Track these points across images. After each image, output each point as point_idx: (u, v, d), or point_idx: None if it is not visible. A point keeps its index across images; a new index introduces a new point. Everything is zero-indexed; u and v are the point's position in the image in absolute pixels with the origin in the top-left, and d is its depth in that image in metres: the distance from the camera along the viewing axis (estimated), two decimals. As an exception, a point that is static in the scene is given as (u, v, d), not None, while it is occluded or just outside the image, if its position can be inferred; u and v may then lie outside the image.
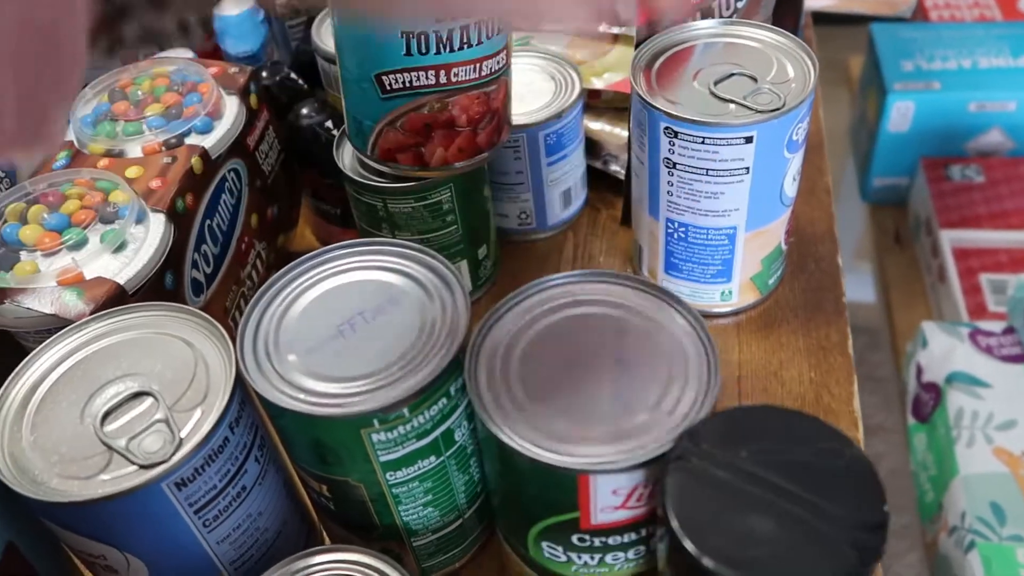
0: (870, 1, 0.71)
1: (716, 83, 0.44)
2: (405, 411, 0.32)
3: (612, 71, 0.57)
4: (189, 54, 0.56)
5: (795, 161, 0.45)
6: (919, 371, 0.83)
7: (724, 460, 0.28)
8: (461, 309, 0.35)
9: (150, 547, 0.33)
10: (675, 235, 0.48)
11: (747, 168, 0.43)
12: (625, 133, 0.58)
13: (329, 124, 0.53)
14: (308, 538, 0.41)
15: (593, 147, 0.58)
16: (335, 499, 0.37)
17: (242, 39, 0.59)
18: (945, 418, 0.76)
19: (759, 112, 0.42)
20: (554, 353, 0.33)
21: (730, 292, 0.50)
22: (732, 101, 0.43)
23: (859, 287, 1.39)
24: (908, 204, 1.07)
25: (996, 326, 0.80)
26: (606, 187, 0.60)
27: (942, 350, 0.80)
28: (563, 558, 0.34)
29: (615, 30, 0.58)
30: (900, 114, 1.01)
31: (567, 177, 0.55)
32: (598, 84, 0.57)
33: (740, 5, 0.52)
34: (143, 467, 0.31)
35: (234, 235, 0.48)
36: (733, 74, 0.45)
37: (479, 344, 0.34)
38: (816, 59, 0.44)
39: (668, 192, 0.46)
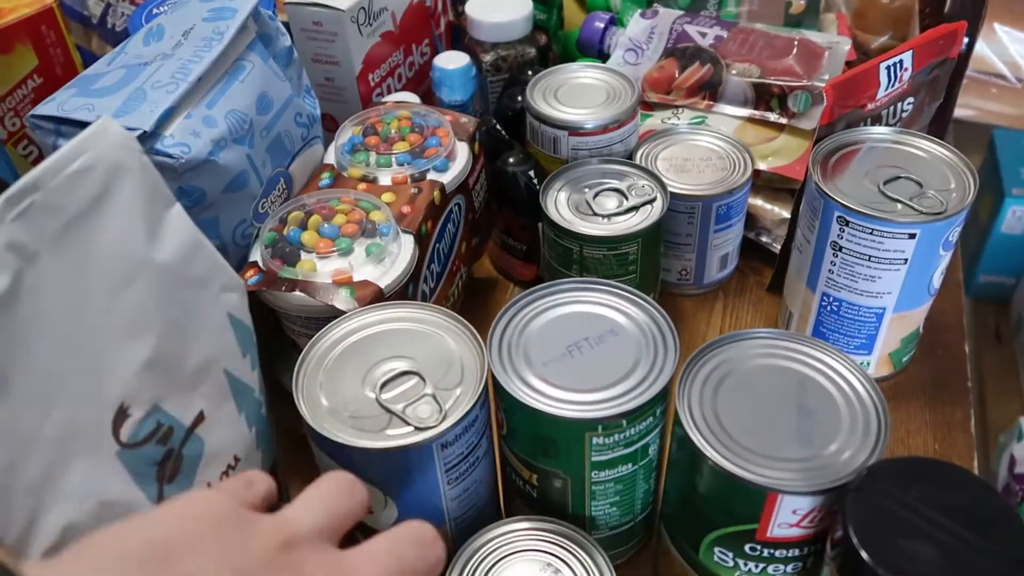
0: (1009, 116, 0.78)
1: (885, 183, 0.52)
2: (624, 422, 0.40)
3: (776, 155, 0.65)
4: (416, 99, 0.65)
5: (946, 258, 0.52)
6: (1012, 463, 0.87)
7: (896, 496, 0.35)
8: (671, 347, 0.42)
9: (408, 494, 0.41)
10: (828, 308, 0.55)
11: (905, 260, 0.50)
12: (779, 210, 0.65)
13: (531, 173, 0.62)
14: (499, 511, 0.49)
15: (749, 220, 0.66)
16: (540, 487, 0.45)
17: (455, 90, 0.68)
18: (1035, 510, 0.81)
19: (924, 213, 0.49)
20: (749, 392, 0.41)
21: (868, 363, 0.57)
22: (899, 201, 0.50)
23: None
24: (1012, 303, 1.12)
25: (1092, 430, 0.84)
26: (755, 256, 0.67)
27: (1037, 446, 0.85)
28: (731, 563, 0.41)
29: (783, 121, 0.66)
30: (1015, 218, 1.06)
31: (727, 244, 0.63)
32: (762, 166, 0.65)
33: (904, 115, 0.59)
34: (418, 429, 0.39)
35: (451, 258, 0.57)
36: (900, 177, 0.52)
37: (689, 377, 0.42)
38: (976, 173, 0.51)
39: (830, 271, 0.53)
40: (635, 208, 0.56)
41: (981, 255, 1.12)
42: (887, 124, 0.58)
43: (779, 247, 0.65)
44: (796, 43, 0.68)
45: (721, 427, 0.40)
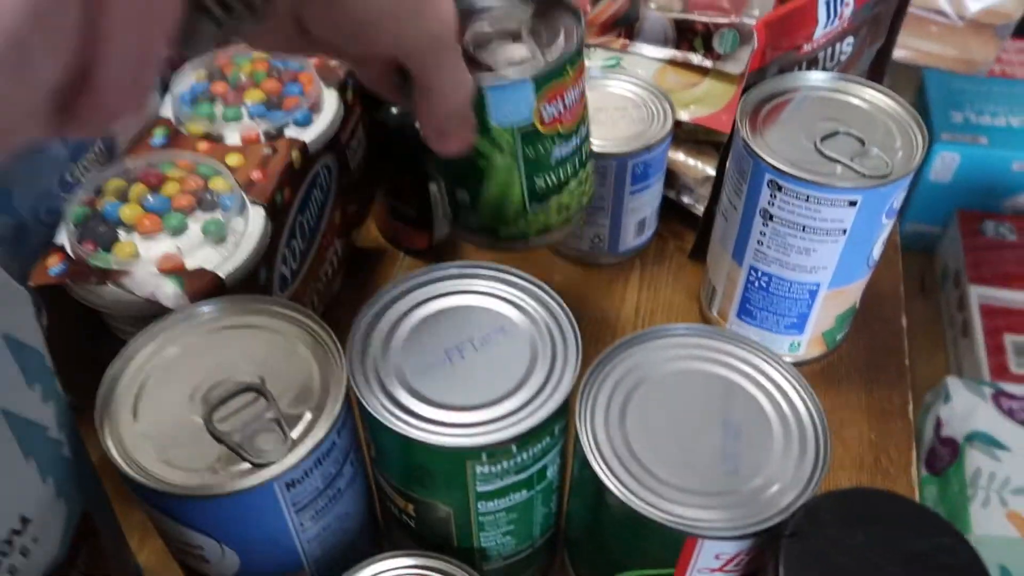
0: (949, 58, 0.72)
1: (822, 139, 0.44)
2: (513, 447, 0.33)
3: (699, 104, 0.57)
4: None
5: (888, 227, 0.46)
6: (938, 424, 0.84)
7: (841, 541, 0.29)
8: (572, 350, 0.35)
9: (248, 541, 0.33)
10: (756, 283, 0.48)
11: (844, 230, 0.44)
12: (702, 167, 0.58)
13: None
14: (377, 542, 0.41)
15: (669, 177, 0.58)
16: (418, 518, 0.37)
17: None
18: (961, 475, 0.78)
19: (867, 177, 0.42)
20: (664, 405, 0.34)
21: (798, 344, 0.50)
22: (839, 162, 0.43)
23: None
24: (937, 253, 1.08)
25: (1019, 389, 0.81)
26: (676, 218, 0.60)
27: (964, 407, 0.81)
28: (644, 606, 0.35)
29: (708, 63, 0.58)
30: (943, 164, 1.02)
31: (645, 207, 0.55)
32: (684, 116, 0.57)
33: (843, 57, 0.52)
34: (257, 465, 0.31)
35: (319, 231, 0.48)
36: (839, 132, 0.45)
37: (593, 388, 0.34)
38: (926, 129, 0.45)
39: (759, 241, 0.46)
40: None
41: (908, 203, 1.08)
42: (823, 68, 0.51)
43: (702, 209, 0.57)
44: (722, -26, 0.59)
45: (630, 453, 0.32)
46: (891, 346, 0.53)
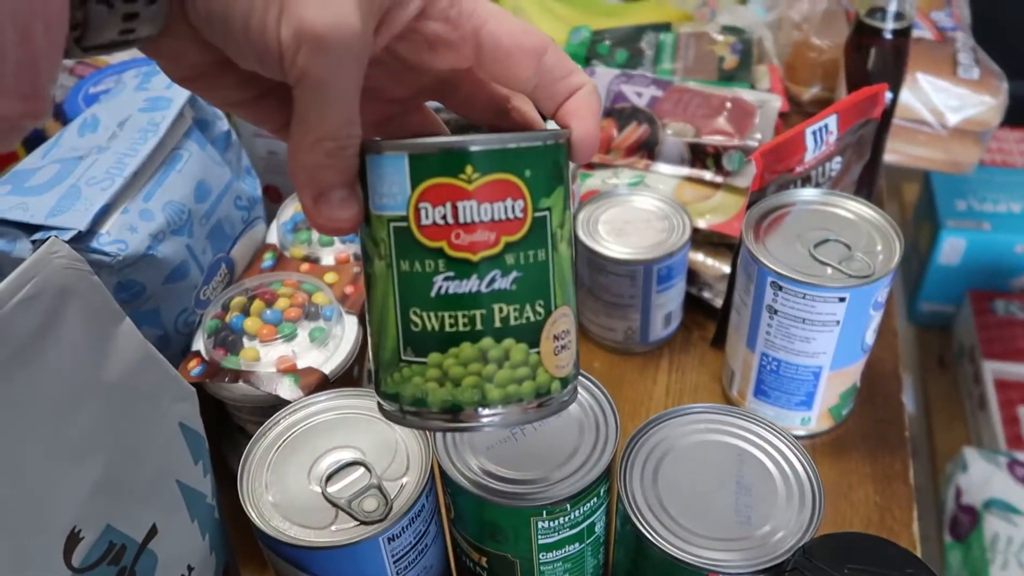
0: (937, 160, 0.80)
1: (815, 246, 0.53)
2: (568, 506, 0.41)
3: (714, 213, 0.67)
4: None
5: (877, 317, 0.54)
6: (958, 493, 0.89)
7: (830, 575, 0.36)
8: (612, 427, 0.43)
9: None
10: (768, 367, 0.56)
11: (838, 321, 0.52)
12: (719, 265, 0.67)
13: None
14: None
15: (690, 275, 0.67)
16: (490, 570, 0.45)
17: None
18: (981, 540, 0.83)
19: (853, 277, 0.51)
20: (688, 470, 0.42)
21: (809, 419, 0.58)
22: (829, 265, 0.52)
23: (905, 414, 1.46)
24: (953, 331, 1.15)
25: (1032, 458, 0.87)
26: (698, 311, 0.69)
27: (981, 476, 0.87)
28: (678, 638, 0.42)
29: (719, 179, 0.68)
30: (951, 248, 1.10)
31: (670, 302, 0.64)
32: (701, 224, 0.66)
33: (833, 174, 0.61)
34: (364, 523, 0.39)
35: (397, 332, 0.57)
36: (829, 240, 0.54)
37: (630, 457, 0.42)
38: (902, 235, 0.53)
39: (767, 332, 0.54)
40: None
41: (922, 285, 1.15)
42: (816, 184, 0.60)
43: (720, 302, 0.66)
44: (728, 103, 0.70)
45: (662, 506, 0.40)
46: (892, 419, 0.61)
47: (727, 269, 0.66)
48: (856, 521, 0.54)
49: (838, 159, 0.61)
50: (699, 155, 0.68)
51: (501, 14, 0.30)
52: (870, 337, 0.55)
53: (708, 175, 0.67)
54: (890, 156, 0.81)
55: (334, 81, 0.27)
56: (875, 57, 0.67)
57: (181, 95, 0.51)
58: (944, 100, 0.76)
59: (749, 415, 0.44)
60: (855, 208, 0.56)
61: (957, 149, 0.79)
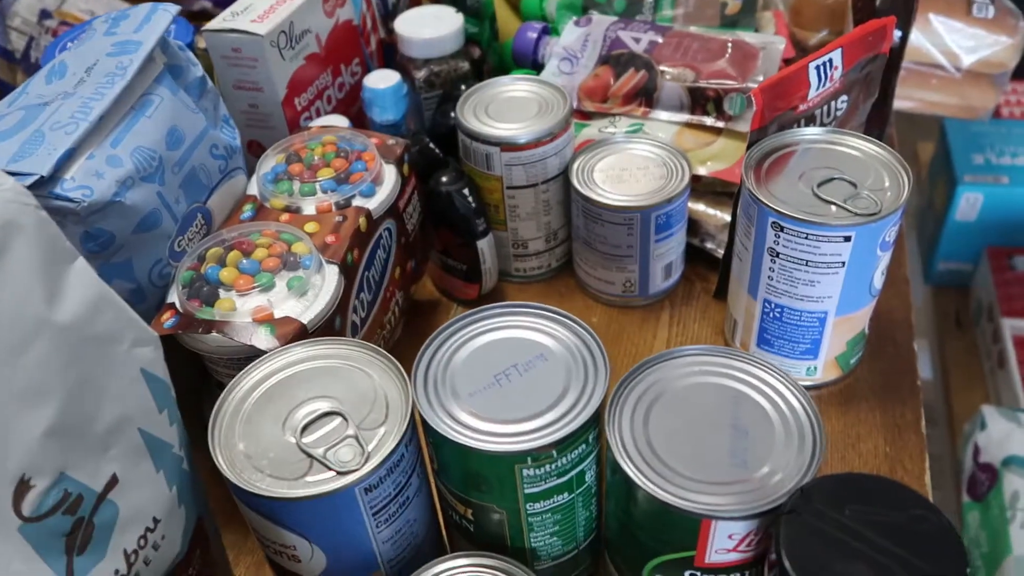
0: (951, 106, 0.77)
1: (819, 185, 0.50)
2: (554, 452, 0.39)
3: (715, 160, 0.64)
4: (345, 122, 0.63)
5: (885, 258, 0.51)
6: (976, 452, 0.87)
7: (830, 517, 0.34)
8: (601, 371, 0.41)
9: (334, 541, 0.39)
10: (771, 314, 0.54)
11: (843, 263, 0.49)
12: (721, 215, 0.64)
13: (466, 191, 0.60)
14: (441, 546, 0.47)
15: (692, 226, 0.65)
16: (476, 522, 0.43)
17: (387, 110, 0.67)
18: (1000, 499, 0.80)
19: (858, 215, 0.48)
20: (681, 413, 0.40)
21: (815, 368, 0.56)
22: (833, 203, 0.49)
23: (919, 363, 1.42)
24: (971, 289, 1.12)
25: (1054, 415, 0.84)
26: (701, 262, 0.66)
27: (1000, 433, 0.84)
28: (673, 590, 0.40)
29: (720, 124, 0.65)
30: (968, 204, 1.06)
31: (670, 252, 0.62)
32: (702, 171, 0.64)
33: (839, 113, 0.59)
34: (340, 473, 0.37)
35: (383, 285, 0.55)
36: (834, 178, 0.51)
37: (620, 401, 0.40)
38: (910, 171, 0.51)
39: (769, 277, 0.52)
40: None
41: (938, 243, 1.12)
42: (821, 124, 0.57)
43: (723, 252, 0.63)
44: (730, 45, 0.67)
45: (653, 452, 0.38)
46: (903, 368, 0.58)
47: (729, 218, 0.63)
48: (865, 472, 0.52)
49: (844, 97, 0.58)
50: (699, 100, 0.65)
51: None
52: (878, 280, 0.52)
53: (709, 120, 0.65)
54: (902, 103, 0.78)
55: None
56: (883, -7, 0.63)
57: (151, 38, 0.49)
58: (958, 41, 0.73)
59: (745, 356, 0.41)
60: (861, 146, 0.53)
61: (972, 93, 0.75)
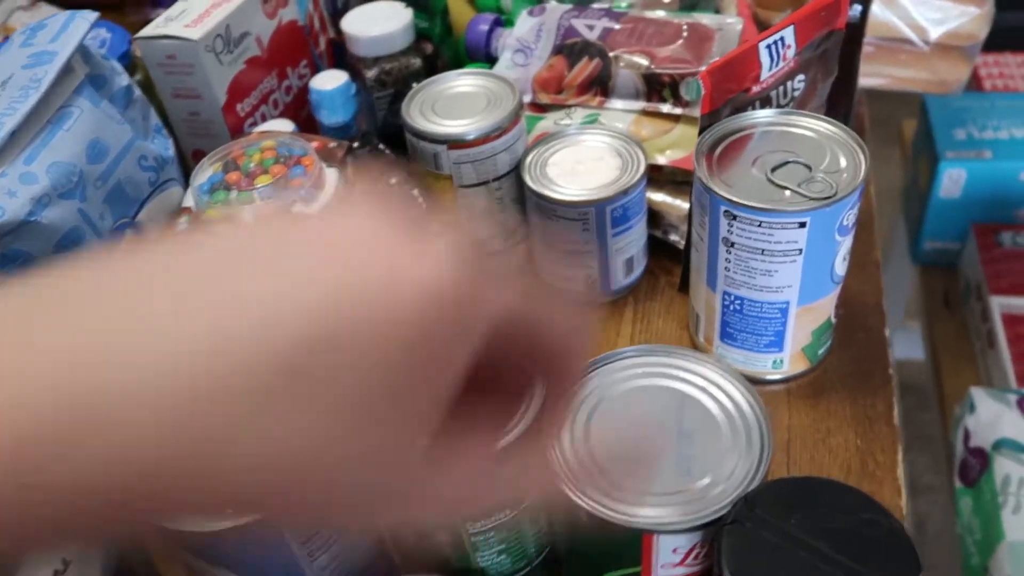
0: (922, 81, 0.75)
1: (773, 170, 0.48)
2: (489, 467, 0.37)
3: (674, 148, 0.62)
4: (290, 126, 0.61)
5: (845, 243, 0.49)
6: (967, 436, 0.84)
7: (775, 525, 0.32)
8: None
9: (265, 573, 0.37)
10: (731, 307, 0.51)
11: (800, 250, 0.47)
12: (684, 205, 0.62)
13: (416, 192, 0.58)
14: (388, 569, 0.45)
15: (654, 217, 0.63)
16: (421, 544, 0.41)
17: (336, 111, 0.65)
18: (992, 484, 0.78)
19: (812, 200, 0.46)
20: (622, 421, 0.38)
21: (781, 361, 0.53)
22: (787, 188, 0.47)
23: (909, 346, 1.40)
24: (959, 268, 1.09)
25: (1044, 394, 0.81)
26: (665, 254, 0.64)
27: (990, 416, 0.82)
28: (625, 606, 0.38)
29: (678, 111, 0.63)
30: (952, 181, 1.04)
31: (630, 246, 0.60)
32: (661, 160, 0.61)
33: (796, 94, 0.56)
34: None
35: (328, 294, 0.53)
36: (789, 162, 0.49)
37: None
38: (867, 150, 0.48)
39: (726, 268, 0.50)
40: None
41: (924, 222, 1.10)
42: (779, 106, 0.55)
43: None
44: (685, 27, 0.64)
45: (594, 462, 0.36)
46: (874, 356, 0.56)
47: (692, 208, 0.61)
48: (835, 468, 0.50)
49: (801, 77, 0.55)
50: (655, 87, 0.63)
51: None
52: (840, 266, 0.50)
53: (665, 108, 0.62)
54: (872, 80, 0.76)
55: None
56: (841, -33, 0.61)
57: (67, 47, 0.47)
58: (924, 13, 0.70)
59: (691, 354, 0.39)
60: (817, 126, 0.51)
61: (943, 67, 0.73)
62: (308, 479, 0.19)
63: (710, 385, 0.38)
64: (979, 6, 0.70)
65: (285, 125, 0.62)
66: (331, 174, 0.54)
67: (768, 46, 0.52)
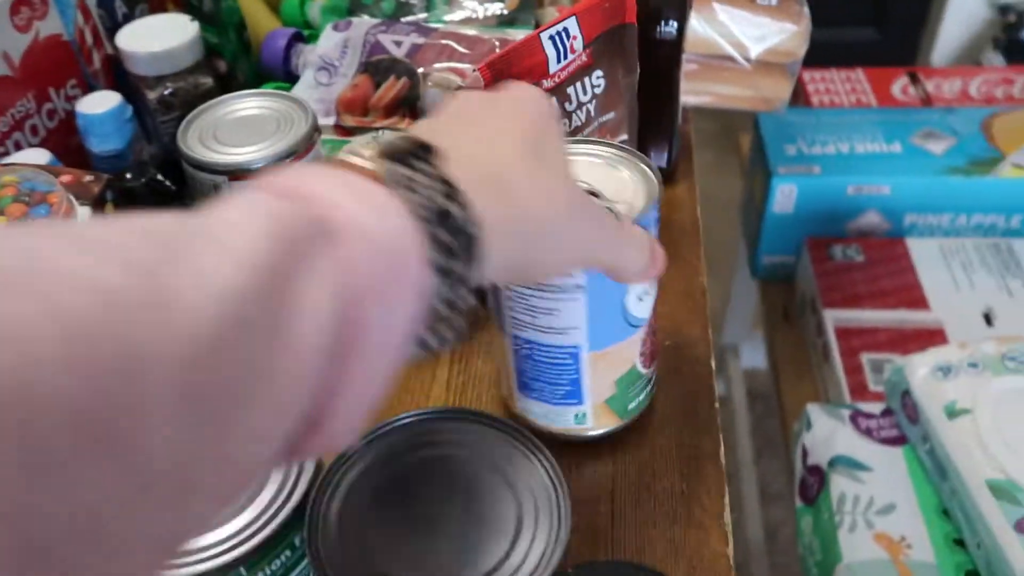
0: (746, 98, 0.74)
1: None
2: (242, 570, 0.31)
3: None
4: (45, 156, 0.53)
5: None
6: (804, 453, 0.84)
7: (566, 625, 0.27)
8: (306, 453, 0.33)
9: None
10: (521, 351, 0.46)
11: (579, 286, 0.42)
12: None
13: (159, 176, 0.51)
14: None
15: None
16: None
17: (107, 138, 0.57)
18: (828, 503, 0.78)
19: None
20: (402, 500, 0.32)
21: (583, 415, 0.48)
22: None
23: (756, 355, 1.42)
24: (795, 282, 1.11)
25: (876, 407, 0.82)
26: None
27: (825, 433, 0.82)
28: None
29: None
30: (784, 196, 1.05)
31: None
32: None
33: (598, 91, 0.53)
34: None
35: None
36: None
37: (328, 493, 0.32)
38: (659, 176, 0.44)
39: (510, 307, 0.44)
40: None
41: (760, 236, 1.10)
42: (578, 102, 0.52)
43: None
44: (497, 44, 0.60)
45: (363, 553, 0.31)
46: (700, 391, 0.53)
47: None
48: (659, 517, 0.46)
49: (598, 72, 0.52)
50: (465, 107, 0.58)
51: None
52: (636, 307, 0.45)
53: (477, 130, 0.58)
54: (696, 98, 0.74)
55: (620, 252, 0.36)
56: (656, -17, 0.59)
57: None
58: (744, 30, 0.69)
59: (481, 414, 0.35)
60: (604, 152, 0.45)
61: (765, 84, 0.72)
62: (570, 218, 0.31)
63: (503, 452, 0.33)
64: (796, 23, 0.70)
65: (38, 156, 0.53)
66: (83, 212, 0.46)
67: (551, 37, 0.49)
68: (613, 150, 0.44)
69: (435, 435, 0.34)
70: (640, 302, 0.44)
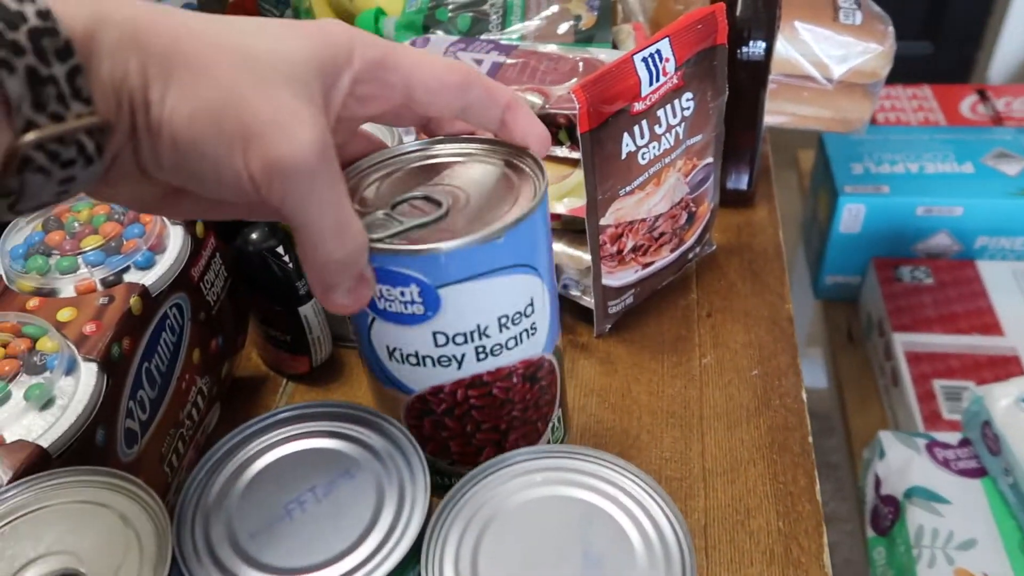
0: (825, 119, 0.72)
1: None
2: (357, 610, 0.30)
3: (572, 195, 0.56)
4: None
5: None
6: (877, 483, 0.82)
7: None
8: (420, 486, 0.32)
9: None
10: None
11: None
12: (586, 256, 0.57)
13: (280, 250, 0.51)
14: None
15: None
16: None
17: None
18: (905, 535, 0.75)
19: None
20: (519, 539, 0.31)
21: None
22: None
23: (809, 373, 1.40)
24: (859, 303, 1.08)
25: (952, 438, 0.80)
26: (567, 311, 0.58)
27: (900, 462, 0.80)
28: None
29: (575, 155, 0.57)
30: (851, 216, 1.03)
31: (527, 305, 0.54)
32: (559, 208, 0.56)
33: (687, 113, 0.52)
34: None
35: (174, 375, 0.45)
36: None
37: (443, 527, 0.31)
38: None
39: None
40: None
41: (824, 256, 1.08)
42: (668, 125, 0.51)
43: (591, 300, 0.56)
44: (581, 64, 0.59)
45: (483, 597, 0.30)
46: (792, 425, 0.51)
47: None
48: (756, 556, 0.45)
49: (688, 95, 0.51)
50: (549, 128, 0.57)
51: (425, 58, 0.32)
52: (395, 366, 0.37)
53: (561, 151, 0.57)
54: (776, 118, 0.73)
55: (314, 195, 0.28)
56: (743, 2, 0.57)
57: None
58: (827, 50, 0.68)
59: (596, 456, 0.33)
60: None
61: (846, 105, 0.70)
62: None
63: (620, 494, 0.32)
64: (880, 43, 0.68)
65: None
66: (176, 233, 0.46)
67: (644, 59, 0.48)
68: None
69: (535, 473, 0.33)
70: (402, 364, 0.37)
